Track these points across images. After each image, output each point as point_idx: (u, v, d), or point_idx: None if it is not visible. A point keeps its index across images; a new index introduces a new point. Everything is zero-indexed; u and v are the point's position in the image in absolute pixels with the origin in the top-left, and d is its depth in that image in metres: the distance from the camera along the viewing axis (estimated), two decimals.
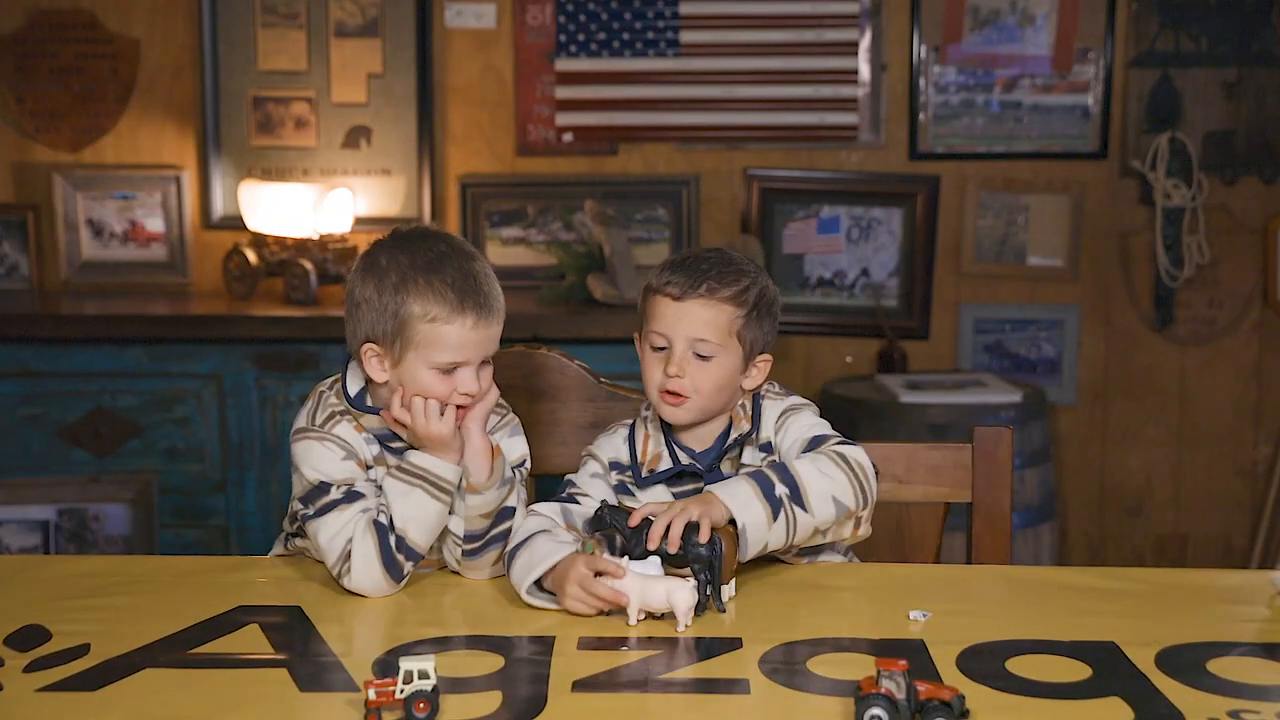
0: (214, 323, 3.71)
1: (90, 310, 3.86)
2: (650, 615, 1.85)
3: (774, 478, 1.94)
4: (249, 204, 3.94)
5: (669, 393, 2.05)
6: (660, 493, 2.11)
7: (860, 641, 1.80)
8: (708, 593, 1.86)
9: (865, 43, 4.13)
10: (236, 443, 3.68)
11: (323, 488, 2.00)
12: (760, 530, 1.91)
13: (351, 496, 1.99)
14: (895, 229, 4.19)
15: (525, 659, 1.74)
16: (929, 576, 2.09)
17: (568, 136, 4.16)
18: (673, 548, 1.87)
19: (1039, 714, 1.58)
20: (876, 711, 1.50)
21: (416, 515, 1.97)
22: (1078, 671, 1.69)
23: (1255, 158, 4.15)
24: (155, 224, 4.14)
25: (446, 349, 1.96)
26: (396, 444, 2.05)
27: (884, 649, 1.77)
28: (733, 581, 1.93)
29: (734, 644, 1.78)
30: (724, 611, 1.88)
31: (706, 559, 1.87)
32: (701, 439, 2.12)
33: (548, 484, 2.47)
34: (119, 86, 4.14)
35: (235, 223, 4.05)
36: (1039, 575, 2.14)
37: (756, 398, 2.13)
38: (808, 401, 2.15)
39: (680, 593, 1.82)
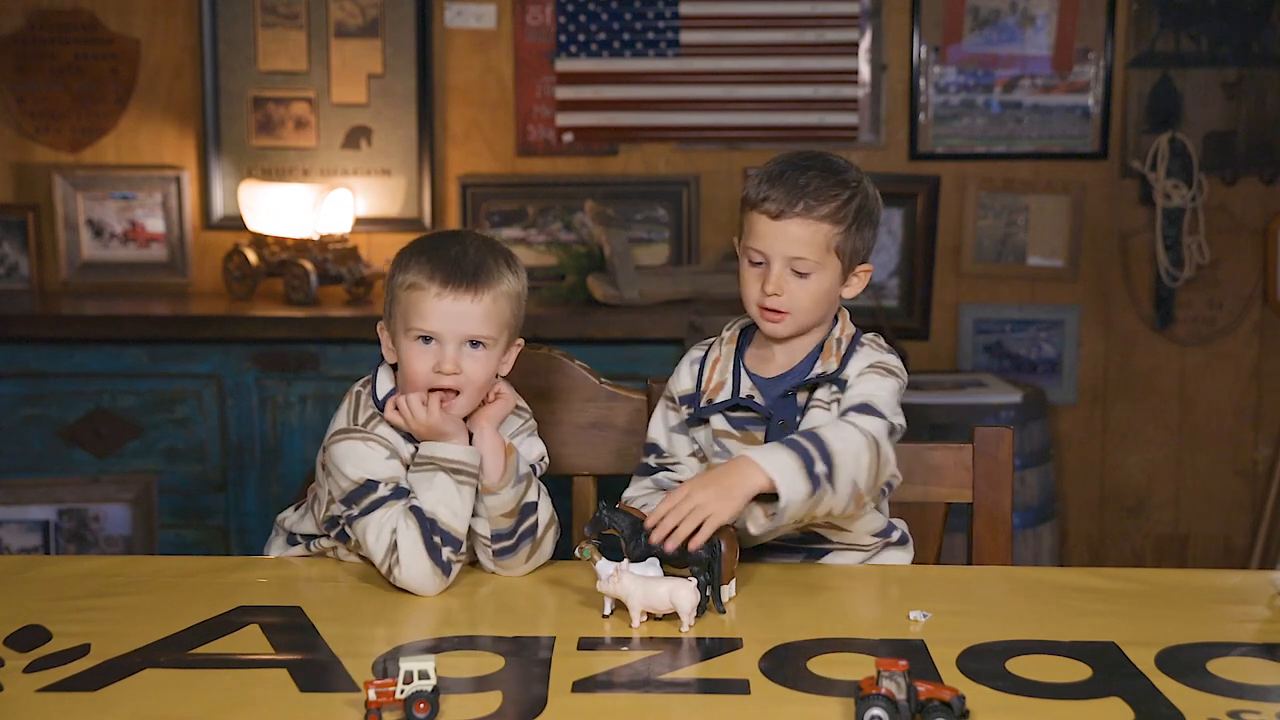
0: (214, 323, 3.71)
1: (90, 310, 3.85)
2: (651, 616, 1.85)
3: (814, 453, 1.90)
4: (249, 204, 3.94)
5: (768, 309, 2.05)
6: (719, 423, 2.09)
7: (860, 641, 1.80)
8: (707, 594, 1.87)
9: (865, 43, 4.13)
10: (236, 443, 3.68)
11: (369, 486, 1.99)
12: (796, 507, 1.89)
13: (399, 493, 2.00)
14: (895, 229, 4.18)
15: (525, 659, 1.73)
16: (929, 577, 2.09)
17: (568, 137, 4.15)
18: (671, 546, 1.87)
19: (1039, 714, 1.58)
20: (876, 711, 1.50)
21: (442, 498, 1.97)
22: (1078, 671, 1.69)
23: (1255, 158, 4.15)
24: (155, 224, 4.14)
25: (420, 316, 1.99)
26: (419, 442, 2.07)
27: (884, 649, 1.77)
28: (733, 582, 1.93)
29: (734, 644, 1.78)
30: (724, 612, 1.89)
31: (705, 560, 1.87)
32: (780, 362, 2.09)
33: (550, 484, 2.46)
34: (119, 86, 4.14)
35: (235, 223, 4.05)
36: (1039, 575, 2.13)
37: (854, 342, 2.10)
38: (900, 370, 2.07)
39: (683, 593, 1.82)
